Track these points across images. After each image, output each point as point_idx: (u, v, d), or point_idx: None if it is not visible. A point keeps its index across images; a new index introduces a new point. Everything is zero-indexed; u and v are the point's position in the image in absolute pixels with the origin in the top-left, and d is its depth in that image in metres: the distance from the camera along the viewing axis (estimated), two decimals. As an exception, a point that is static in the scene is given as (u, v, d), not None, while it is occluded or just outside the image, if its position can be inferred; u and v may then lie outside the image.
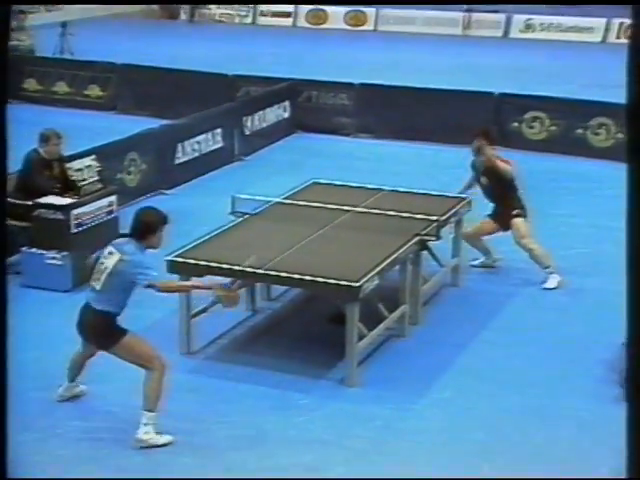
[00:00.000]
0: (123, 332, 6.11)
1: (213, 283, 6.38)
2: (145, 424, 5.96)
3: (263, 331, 7.85)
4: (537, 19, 24.66)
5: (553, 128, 13.48)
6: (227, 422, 6.36)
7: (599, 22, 23.88)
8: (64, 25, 19.19)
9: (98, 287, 6.02)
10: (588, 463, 5.89)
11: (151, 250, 6.12)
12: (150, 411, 5.99)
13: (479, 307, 8.35)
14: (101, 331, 6.10)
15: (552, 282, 8.76)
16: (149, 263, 5.97)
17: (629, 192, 1.95)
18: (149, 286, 5.94)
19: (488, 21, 25.12)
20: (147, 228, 6.04)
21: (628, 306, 1.97)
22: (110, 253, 6.01)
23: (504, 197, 8.87)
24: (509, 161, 8.97)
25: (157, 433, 6.00)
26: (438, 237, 7.92)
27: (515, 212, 8.86)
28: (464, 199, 8.71)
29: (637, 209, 1.74)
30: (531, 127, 13.60)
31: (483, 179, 8.97)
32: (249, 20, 26.76)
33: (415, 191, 8.96)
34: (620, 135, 12.73)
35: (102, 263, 6.03)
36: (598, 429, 6.26)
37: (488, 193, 8.99)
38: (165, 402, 6.61)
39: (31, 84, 16.01)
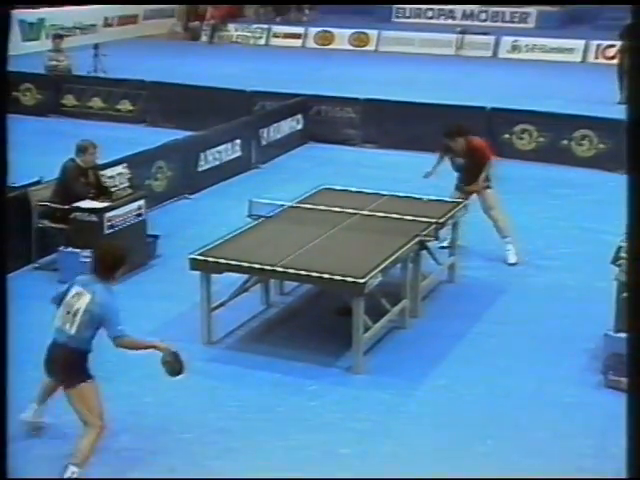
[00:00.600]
0: (90, 377, 5.42)
1: (167, 347, 5.49)
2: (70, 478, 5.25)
3: (277, 323, 7.79)
4: (523, 41, 24.57)
5: (541, 139, 13.40)
6: (244, 406, 6.31)
7: (579, 44, 23.75)
8: (96, 47, 19.17)
9: (73, 331, 5.32)
10: (571, 442, 5.83)
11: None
12: (77, 466, 5.25)
13: (473, 301, 8.27)
14: (72, 367, 5.38)
15: (512, 257, 9.05)
16: (119, 309, 5.34)
17: (629, 206, 1.88)
18: (117, 337, 5.27)
19: (479, 42, 25.01)
20: (118, 263, 5.43)
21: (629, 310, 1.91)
22: (79, 294, 5.34)
23: (478, 173, 9.12)
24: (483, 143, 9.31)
25: None
26: (436, 238, 7.86)
27: (486, 184, 9.11)
28: (460, 203, 8.63)
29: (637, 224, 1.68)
30: (521, 138, 13.51)
31: (460, 160, 9.18)
32: (263, 41, 26.69)
33: (415, 196, 8.89)
34: (601, 146, 12.69)
35: (71, 305, 5.34)
36: (581, 412, 6.21)
37: (463, 169, 9.21)
38: (189, 387, 6.58)
39: (69, 100, 15.98)
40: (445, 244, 8.93)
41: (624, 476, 2.31)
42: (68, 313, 5.36)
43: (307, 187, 9.19)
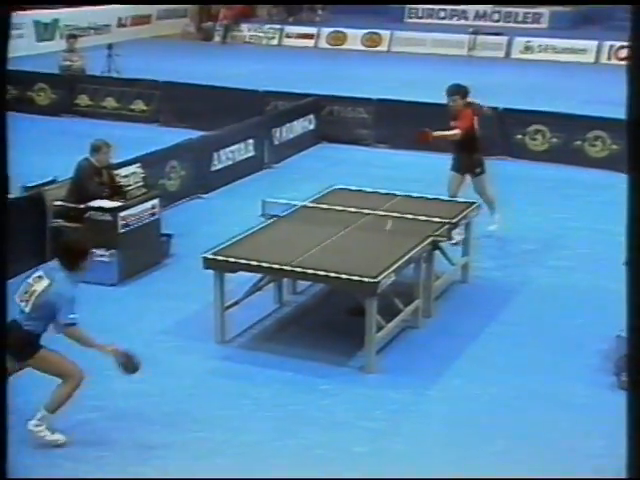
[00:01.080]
0: (39, 347, 5.63)
1: (116, 349, 5.71)
2: (39, 419, 5.61)
3: (289, 322, 7.80)
4: (536, 41, 24.48)
5: (554, 140, 13.36)
6: (257, 404, 6.33)
7: (591, 44, 23.66)
8: (110, 47, 19.19)
9: (27, 309, 5.52)
10: (583, 442, 5.82)
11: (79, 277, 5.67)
12: (49, 412, 5.61)
13: (486, 302, 8.26)
14: (21, 346, 5.52)
15: (495, 225, 9.48)
16: (75, 299, 5.52)
17: (629, 206, 1.88)
18: (66, 325, 5.46)
19: (491, 43, 24.94)
20: (81, 256, 5.60)
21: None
22: (40, 277, 5.58)
23: (473, 149, 9.22)
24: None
25: (50, 430, 5.64)
26: (449, 238, 7.85)
27: (479, 169, 9.26)
28: (473, 204, 8.62)
29: (637, 224, 1.68)
30: (534, 139, 13.47)
31: (454, 124, 9.22)
32: (275, 42, 26.69)
33: (428, 196, 8.88)
34: (614, 147, 12.61)
35: (31, 285, 5.56)
36: (593, 412, 6.20)
37: (455, 145, 9.28)
38: (203, 385, 6.61)
39: (83, 100, 16.04)
40: (454, 241, 8.96)
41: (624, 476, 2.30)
42: (26, 292, 5.59)
43: (320, 187, 9.21)
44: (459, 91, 9.23)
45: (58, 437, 5.70)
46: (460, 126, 9.19)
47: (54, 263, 5.75)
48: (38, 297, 5.53)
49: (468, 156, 9.28)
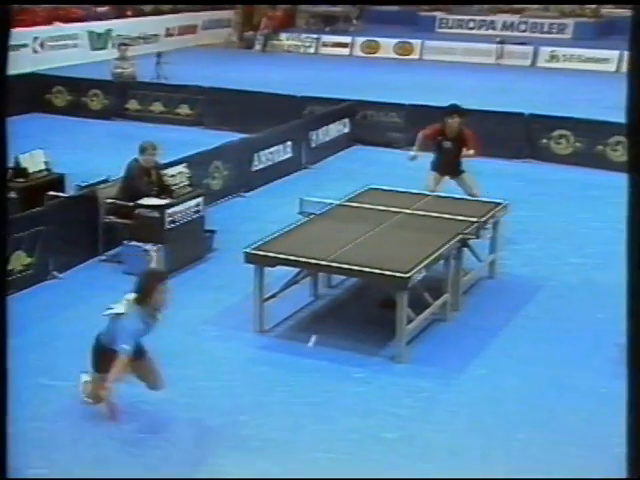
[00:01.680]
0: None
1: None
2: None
3: (324, 314, 7.80)
4: (560, 51, 24.23)
5: (577, 144, 13.21)
6: (293, 391, 6.33)
7: (613, 54, 23.35)
8: (159, 55, 19.34)
9: (104, 330, 5.73)
10: (606, 430, 5.74)
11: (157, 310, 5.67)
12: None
13: (512, 296, 8.19)
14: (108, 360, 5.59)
15: None
16: (136, 333, 5.57)
17: (630, 209, 1.83)
18: (115, 351, 5.50)
19: (518, 52, 24.72)
20: (145, 290, 5.64)
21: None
22: (121, 302, 5.71)
23: (458, 157, 9.39)
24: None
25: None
26: (478, 236, 7.79)
27: (462, 168, 9.45)
28: (501, 204, 8.55)
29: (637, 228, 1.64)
30: (558, 143, 13.33)
31: (448, 143, 9.38)
32: (312, 50, 26.69)
33: (458, 196, 8.83)
34: (635, 150, 12.43)
35: (111, 307, 5.75)
36: (615, 402, 6.08)
37: (448, 153, 9.38)
38: (242, 372, 6.63)
39: (132, 105, 16.15)
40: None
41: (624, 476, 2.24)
42: (110, 308, 5.73)
43: (354, 187, 9.19)
44: (458, 111, 9.55)
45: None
46: (476, 147, 9.43)
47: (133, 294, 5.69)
48: (111, 319, 5.68)
49: (454, 161, 9.47)
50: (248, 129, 13.22)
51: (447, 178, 9.59)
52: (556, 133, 13.30)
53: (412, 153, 9.59)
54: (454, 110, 9.53)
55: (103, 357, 5.64)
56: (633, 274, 1.68)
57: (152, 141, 9.09)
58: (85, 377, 5.95)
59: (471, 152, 9.35)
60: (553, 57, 24.29)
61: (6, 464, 1.76)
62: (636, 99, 1.65)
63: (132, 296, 5.69)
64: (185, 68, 19.61)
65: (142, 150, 8.94)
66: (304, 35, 27.25)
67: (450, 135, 9.45)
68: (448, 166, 9.48)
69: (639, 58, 1.60)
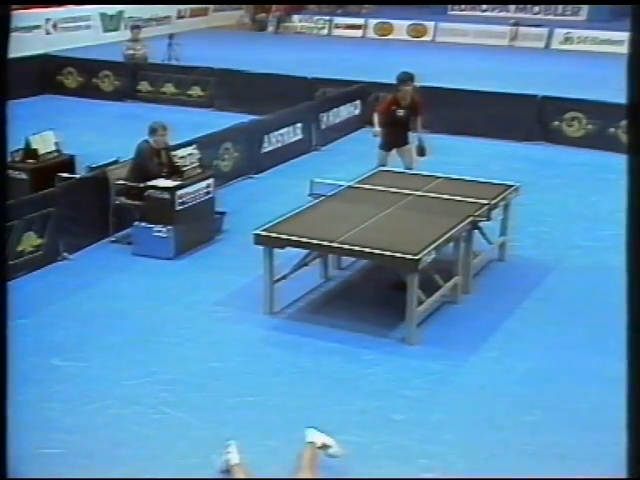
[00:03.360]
0: None
1: None
2: None
3: (334, 296, 7.78)
4: (575, 33, 24.00)
5: (589, 127, 13.09)
6: (303, 372, 6.32)
7: (628, 36, 23.15)
8: (171, 36, 19.27)
9: None
10: (617, 413, 5.69)
11: None
12: None
13: (522, 279, 8.14)
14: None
15: None
16: None
17: (629, 192, 1.80)
18: None
19: (532, 34, 24.51)
20: None
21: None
22: None
23: (408, 126, 9.64)
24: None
25: None
26: (488, 218, 7.74)
27: (406, 140, 9.66)
28: (512, 186, 8.48)
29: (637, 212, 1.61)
30: (570, 125, 13.21)
31: (401, 112, 9.58)
32: (325, 32, 26.56)
33: (469, 178, 8.77)
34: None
35: None
36: (624, 384, 6.05)
37: (400, 122, 9.58)
38: (252, 354, 6.63)
39: (144, 86, 16.12)
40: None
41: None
42: None
43: (364, 169, 9.14)
44: (412, 77, 9.74)
45: None
46: (423, 113, 9.77)
47: None
48: None
49: (404, 132, 9.72)
50: (259, 111, 13.17)
51: (394, 153, 9.79)
52: (568, 115, 13.18)
53: (376, 130, 9.65)
54: (407, 77, 9.68)
55: None
56: (632, 259, 1.65)
57: (162, 122, 9.06)
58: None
59: (420, 125, 9.64)
60: (567, 39, 24.07)
61: (6, 464, 1.74)
62: (636, 80, 1.61)
63: None
64: (197, 50, 19.54)
65: (152, 131, 8.91)
66: (316, 17, 27.11)
67: (404, 103, 9.64)
68: (398, 136, 9.62)
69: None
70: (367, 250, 6.79)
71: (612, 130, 12.82)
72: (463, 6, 29.22)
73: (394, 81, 15.26)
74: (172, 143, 9.15)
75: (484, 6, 28.91)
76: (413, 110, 9.66)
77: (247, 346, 6.75)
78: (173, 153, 8.77)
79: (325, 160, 12.33)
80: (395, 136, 9.62)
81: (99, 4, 22.59)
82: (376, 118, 9.75)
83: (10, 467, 1.76)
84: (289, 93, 14.03)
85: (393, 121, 9.59)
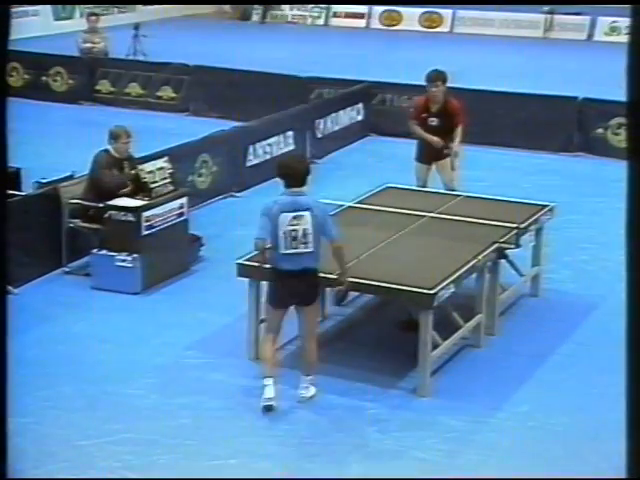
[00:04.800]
0: None
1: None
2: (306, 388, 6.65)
3: (332, 337, 7.84)
4: (623, 21, 24.25)
5: None
6: (294, 431, 6.38)
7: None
8: (137, 27, 19.47)
9: (310, 248, 6.38)
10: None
11: None
12: (308, 375, 6.66)
13: (559, 319, 8.23)
14: (317, 286, 6.60)
15: None
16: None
17: (629, 194, 1.90)
18: (336, 240, 6.49)
19: (571, 23, 24.80)
20: (309, 171, 6.64)
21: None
22: (296, 217, 6.34)
23: (447, 135, 9.55)
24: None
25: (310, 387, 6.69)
26: (517, 245, 7.84)
27: (446, 151, 9.62)
28: (546, 206, 8.59)
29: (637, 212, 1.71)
30: (616, 134, 13.35)
31: (434, 120, 9.56)
32: (321, 21, 26.86)
33: (494, 197, 8.88)
34: None
35: (295, 230, 6.33)
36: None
37: (434, 132, 9.57)
38: (233, 407, 6.68)
39: (104, 86, 16.28)
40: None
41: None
42: (295, 239, 6.35)
43: (369, 185, 9.25)
44: (444, 77, 9.64)
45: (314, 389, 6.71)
46: (462, 120, 9.63)
47: (283, 198, 6.49)
48: (314, 231, 6.37)
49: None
50: (242, 116, 13.31)
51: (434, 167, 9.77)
52: (614, 122, 13.32)
53: (434, 139, 9.57)
54: (436, 76, 9.58)
55: (314, 282, 6.64)
56: (632, 267, 1.76)
57: (125, 127, 9.15)
58: None
59: (459, 139, 9.54)
60: (614, 29, 24.35)
61: (6, 464, 1.85)
62: (636, 78, 1.72)
63: (292, 193, 6.58)
64: (168, 43, 19.75)
65: (114, 137, 8.98)
66: (311, 4, 27.38)
67: (434, 108, 9.56)
68: (435, 148, 9.56)
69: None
70: (372, 283, 6.87)
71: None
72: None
73: (403, 80, 15.45)
74: (138, 155, 9.25)
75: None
76: (448, 117, 9.53)
77: (227, 399, 6.81)
78: (140, 167, 8.85)
79: (322, 175, 12.40)
80: (432, 147, 9.59)
81: (100, 4, 22.81)
82: (414, 126, 9.73)
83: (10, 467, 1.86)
84: (279, 95, 14.19)
85: (427, 130, 9.59)
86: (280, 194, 6.55)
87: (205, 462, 5.97)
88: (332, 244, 6.47)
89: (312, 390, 6.67)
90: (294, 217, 6.35)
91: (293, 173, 6.54)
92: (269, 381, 6.50)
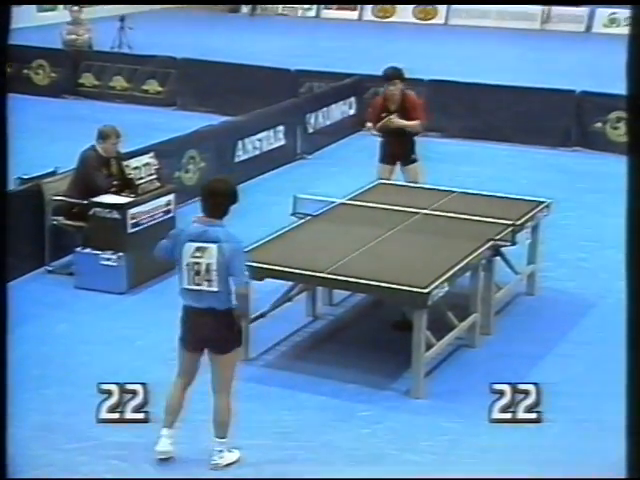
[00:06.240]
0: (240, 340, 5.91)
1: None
2: (220, 451, 5.88)
3: (324, 338, 7.86)
4: (622, 13, 24.31)
5: (639, 129, 13.27)
6: (285, 434, 6.37)
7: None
8: (122, 18, 19.44)
9: (215, 288, 5.66)
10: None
11: None
12: (222, 438, 5.88)
13: (556, 318, 8.25)
14: (229, 332, 5.78)
15: None
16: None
17: (629, 188, 1.93)
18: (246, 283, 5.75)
19: (569, 15, 24.86)
20: (235, 200, 5.81)
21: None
22: (200, 249, 5.64)
23: (409, 135, 9.49)
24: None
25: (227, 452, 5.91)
26: (513, 243, 7.85)
27: (414, 156, 9.53)
28: (542, 203, 8.61)
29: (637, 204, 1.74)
30: (616, 128, 13.38)
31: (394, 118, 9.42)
32: (312, 13, 26.86)
33: (489, 193, 8.89)
34: None
35: (198, 263, 5.64)
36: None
37: (394, 131, 9.44)
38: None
39: (88, 79, 16.26)
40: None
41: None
42: (197, 274, 5.65)
43: (361, 181, 9.26)
44: (400, 75, 9.56)
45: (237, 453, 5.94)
46: (421, 116, 9.53)
47: (194, 226, 5.77)
48: (218, 268, 5.61)
49: (403, 144, 9.55)
50: (231, 111, 13.31)
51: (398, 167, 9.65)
52: (613, 115, 13.35)
53: (375, 133, 9.64)
54: (394, 74, 9.54)
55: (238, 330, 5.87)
56: (632, 261, 1.80)
57: (115, 126, 9.12)
58: None
59: (411, 123, 9.41)
60: (613, 21, 24.40)
61: (6, 464, 1.88)
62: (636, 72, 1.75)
63: (204, 222, 5.78)
64: (154, 35, 19.75)
65: (103, 137, 8.96)
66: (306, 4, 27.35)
67: (392, 107, 9.47)
68: (399, 148, 9.47)
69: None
70: (364, 282, 6.87)
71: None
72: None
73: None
74: (124, 150, 9.24)
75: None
76: (409, 113, 9.45)
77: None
78: (125, 163, 8.86)
79: (313, 171, 12.46)
80: (394, 147, 9.54)
81: (100, 4, 22.75)
82: (369, 125, 9.73)
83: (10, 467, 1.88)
84: (268, 89, 14.20)
85: (387, 130, 9.53)
86: (193, 220, 5.91)
87: (192, 469, 5.95)
88: (237, 287, 5.68)
89: (229, 456, 5.88)
90: (197, 249, 5.63)
91: (212, 201, 5.74)
92: (166, 431, 5.88)
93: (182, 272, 5.73)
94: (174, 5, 27.15)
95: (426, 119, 9.67)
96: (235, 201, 5.81)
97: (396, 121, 9.38)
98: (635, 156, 1.69)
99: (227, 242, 5.64)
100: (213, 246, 5.61)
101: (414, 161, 9.57)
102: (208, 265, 5.62)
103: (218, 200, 5.74)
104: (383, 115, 9.51)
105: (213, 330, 5.71)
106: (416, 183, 9.38)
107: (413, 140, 9.58)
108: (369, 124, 9.72)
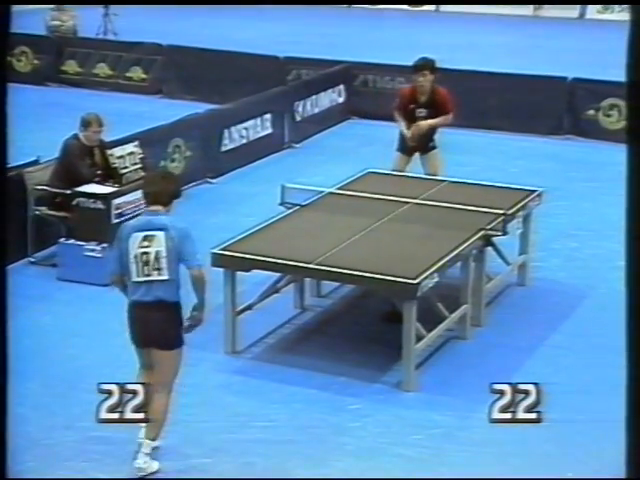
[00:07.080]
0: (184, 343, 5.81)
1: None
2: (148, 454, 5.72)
3: (312, 330, 7.86)
4: (616, -1, 24.45)
5: (632, 117, 13.30)
6: (272, 427, 6.38)
7: (683, 2, 23.56)
8: (107, 4, 19.39)
9: (166, 277, 5.62)
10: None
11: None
12: (153, 440, 5.74)
13: (548, 308, 8.27)
14: (174, 326, 5.76)
15: None
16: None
17: (629, 176, 1.94)
18: (199, 266, 5.70)
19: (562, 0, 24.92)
20: (177, 187, 5.93)
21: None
22: (146, 238, 5.60)
23: (434, 127, 9.43)
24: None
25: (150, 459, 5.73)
26: (504, 233, 7.86)
27: (432, 144, 9.48)
28: (534, 192, 8.62)
29: (637, 193, 1.76)
30: (608, 115, 13.42)
31: (422, 111, 9.35)
32: (301, -2, 26.88)
33: (480, 182, 8.90)
34: None
35: (146, 253, 5.59)
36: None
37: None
38: (209, 404, 6.68)
39: (71, 66, 16.22)
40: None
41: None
42: (146, 264, 5.60)
43: (350, 170, 9.26)
44: (430, 65, 9.42)
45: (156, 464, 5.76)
46: (452, 109, 9.44)
47: (139, 218, 5.84)
48: (168, 255, 5.59)
49: (427, 134, 9.48)
50: (217, 98, 13.30)
51: (416, 155, 9.59)
52: (606, 103, 13.38)
53: (405, 131, 9.46)
54: (423, 65, 9.43)
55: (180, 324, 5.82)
56: (631, 249, 1.81)
57: (98, 114, 9.10)
58: None
59: (439, 120, 9.35)
60: (607, 7, 24.42)
61: (6, 464, 1.88)
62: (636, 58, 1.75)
63: (150, 213, 5.81)
64: (139, 21, 19.67)
65: (85, 124, 8.95)
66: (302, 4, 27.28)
67: (422, 99, 9.39)
68: (420, 139, 9.42)
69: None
70: (353, 273, 6.87)
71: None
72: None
73: (386, 61, 15.44)
74: (107, 139, 9.22)
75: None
76: (438, 108, 9.35)
77: (202, 395, 6.80)
78: (109, 152, 8.85)
79: (301, 160, 12.45)
80: (418, 139, 9.46)
81: (100, 4, 22.62)
82: (398, 117, 9.56)
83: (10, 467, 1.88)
84: (255, 76, 14.18)
85: (414, 121, 9.42)
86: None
87: (178, 462, 5.95)
88: (191, 271, 5.65)
89: (153, 465, 5.69)
90: (144, 237, 5.58)
91: (153, 191, 5.75)
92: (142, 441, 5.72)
93: (130, 265, 5.65)
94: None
95: (454, 108, 9.53)
96: (177, 190, 5.90)
97: (423, 125, 9.34)
98: (635, 144, 1.70)
99: (174, 228, 5.64)
100: (160, 233, 5.60)
101: (433, 148, 9.50)
102: (157, 252, 5.59)
103: (159, 188, 5.78)
104: (412, 107, 9.41)
105: (160, 325, 5.67)
106: (436, 175, 9.29)
107: (434, 130, 9.51)
108: (398, 117, 9.56)
